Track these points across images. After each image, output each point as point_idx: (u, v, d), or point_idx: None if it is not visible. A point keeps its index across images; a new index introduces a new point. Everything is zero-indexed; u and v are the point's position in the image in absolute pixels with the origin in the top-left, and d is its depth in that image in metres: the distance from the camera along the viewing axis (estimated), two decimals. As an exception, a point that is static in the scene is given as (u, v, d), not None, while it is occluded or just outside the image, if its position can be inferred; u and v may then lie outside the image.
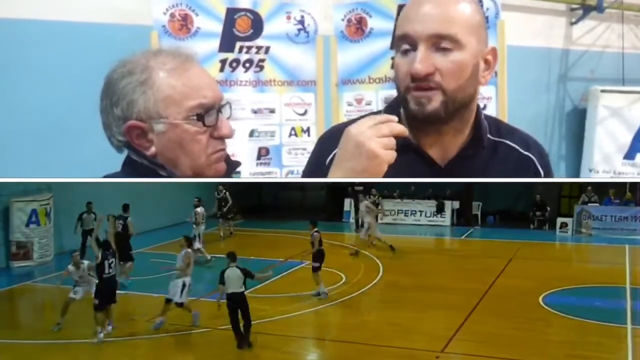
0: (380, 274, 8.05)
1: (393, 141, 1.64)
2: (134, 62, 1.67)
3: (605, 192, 11.57)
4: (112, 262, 5.71)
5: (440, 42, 1.69)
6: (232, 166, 1.84)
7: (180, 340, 5.69)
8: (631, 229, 10.67)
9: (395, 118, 1.71)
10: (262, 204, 13.66)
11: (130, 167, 1.74)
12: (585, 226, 11.30)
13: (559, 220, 11.61)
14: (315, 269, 6.86)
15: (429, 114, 1.74)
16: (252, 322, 5.43)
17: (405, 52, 1.75)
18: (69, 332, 5.67)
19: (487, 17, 4.49)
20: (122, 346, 5.52)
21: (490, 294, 7.13)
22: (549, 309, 6.64)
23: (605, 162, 8.11)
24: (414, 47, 1.72)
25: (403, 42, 1.75)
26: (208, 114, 1.67)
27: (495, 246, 10.19)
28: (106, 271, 5.60)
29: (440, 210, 12.42)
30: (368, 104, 4.91)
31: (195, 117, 1.65)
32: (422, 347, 5.23)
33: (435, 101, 1.73)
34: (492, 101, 4.66)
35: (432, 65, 1.69)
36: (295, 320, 5.88)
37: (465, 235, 11.31)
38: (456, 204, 12.41)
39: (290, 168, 4.98)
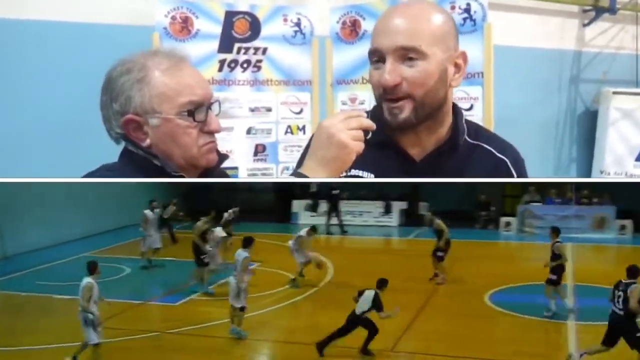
0: (330, 274, 8.04)
1: (361, 133, 1.80)
2: (132, 62, 1.84)
3: (547, 191, 11.74)
4: None
5: (406, 54, 1.85)
6: (221, 158, 2.01)
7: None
8: (571, 227, 10.68)
9: (364, 114, 1.88)
10: (212, 206, 13.03)
11: (127, 157, 1.92)
12: (528, 225, 11.42)
13: (503, 219, 11.69)
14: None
15: (402, 123, 1.92)
16: (204, 325, 5.56)
17: (376, 64, 1.92)
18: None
19: (474, 20, 4.65)
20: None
21: (438, 292, 7.19)
22: (495, 306, 6.74)
23: (616, 164, 8.05)
24: (383, 60, 1.88)
25: (374, 55, 1.92)
26: (198, 110, 1.84)
27: (422, 247, 10.08)
28: None
29: (388, 211, 12.37)
30: (361, 103, 5.06)
31: (186, 113, 1.82)
32: (371, 347, 5.27)
33: (406, 110, 1.90)
34: (478, 101, 4.75)
35: (399, 76, 1.86)
36: (245, 322, 5.79)
37: (412, 235, 11.19)
38: (403, 205, 12.34)
39: (285, 164, 5.17)
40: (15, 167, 4.91)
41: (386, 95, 1.90)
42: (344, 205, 12.04)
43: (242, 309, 5.66)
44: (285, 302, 6.95)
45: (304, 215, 12.67)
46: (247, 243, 5.88)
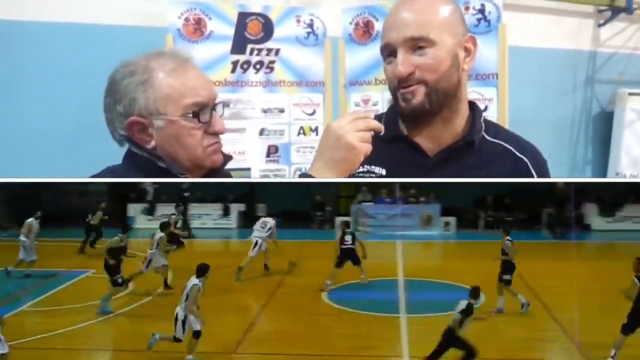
0: (169, 280, 7.92)
1: (369, 135, 1.82)
2: (136, 64, 1.86)
3: (377, 191, 11.61)
4: None
5: (416, 44, 1.90)
6: (226, 159, 2.01)
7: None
8: (400, 225, 10.61)
9: (372, 115, 1.92)
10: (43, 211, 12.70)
11: (131, 160, 1.93)
12: (361, 224, 11.19)
13: (338, 219, 11.68)
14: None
15: (416, 107, 1.96)
16: (36, 337, 5.21)
17: (389, 59, 1.98)
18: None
19: (488, 21, 4.61)
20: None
21: (279, 292, 7.04)
22: (333, 303, 6.69)
23: (633, 166, 7.97)
24: (394, 54, 1.93)
25: (386, 50, 1.98)
26: (203, 112, 1.85)
27: (280, 246, 10.16)
28: None
29: (226, 213, 12.30)
30: (374, 104, 5.04)
31: (191, 115, 1.83)
32: (214, 350, 5.22)
33: (419, 94, 1.94)
34: (493, 102, 4.72)
35: (412, 65, 1.91)
36: (83, 332, 5.60)
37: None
38: (242, 206, 12.32)
39: (298, 165, 5.17)
40: (19, 167, 4.96)
41: (400, 85, 1.95)
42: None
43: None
44: (117, 311, 6.41)
45: (140, 219, 12.30)
46: (202, 272, 5.19)
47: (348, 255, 8.24)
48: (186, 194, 11.16)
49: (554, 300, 6.97)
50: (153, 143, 1.86)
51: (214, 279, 7.53)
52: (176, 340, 5.07)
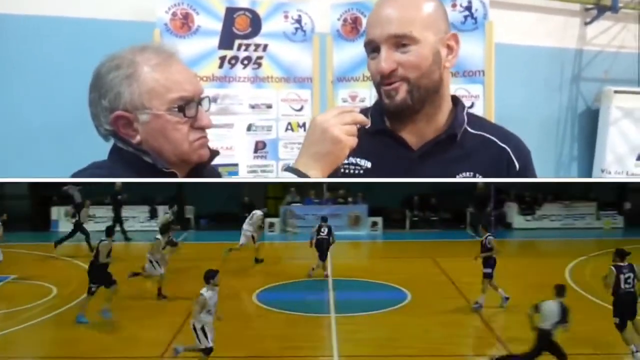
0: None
1: (355, 128, 1.83)
2: (121, 57, 1.82)
3: (306, 192, 12.29)
4: None
5: (399, 41, 1.91)
6: (212, 154, 1.99)
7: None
8: (332, 226, 10.75)
9: (357, 109, 1.93)
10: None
11: (116, 155, 1.90)
12: (290, 225, 11.94)
13: (267, 220, 11.77)
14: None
15: (399, 104, 1.97)
16: None
17: (372, 54, 1.99)
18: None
19: (475, 18, 4.64)
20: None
21: None
22: (263, 305, 6.93)
23: (618, 163, 8.04)
24: (378, 50, 1.94)
25: (369, 46, 1.99)
26: (188, 106, 1.82)
27: (209, 248, 10.04)
28: None
29: (153, 215, 12.17)
30: (362, 100, 5.05)
31: (176, 109, 1.81)
32: (142, 355, 5.32)
33: (401, 91, 1.95)
34: (479, 99, 4.75)
35: (394, 62, 1.92)
36: (6, 339, 5.67)
37: (179, 239, 10.64)
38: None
39: (286, 161, 5.16)
40: (13, 164, 4.92)
41: (384, 80, 1.96)
42: (107, 211, 11.49)
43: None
44: (44, 316, 6.61)
45: (64, 222, 11.64)
46: (210, 276, 5.15)
47: (321, 246, 8.39)
48: (120, 197, 11.04)
49: (477, 297, 7.06)
50: (138, 138, 1.84)
51: (147, 284, 7.41)
52: (207, 351, 4.93)
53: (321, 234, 8.44)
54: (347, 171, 2.09)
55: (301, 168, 1.81)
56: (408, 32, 1.90)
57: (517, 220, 12.47)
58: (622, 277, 5.27)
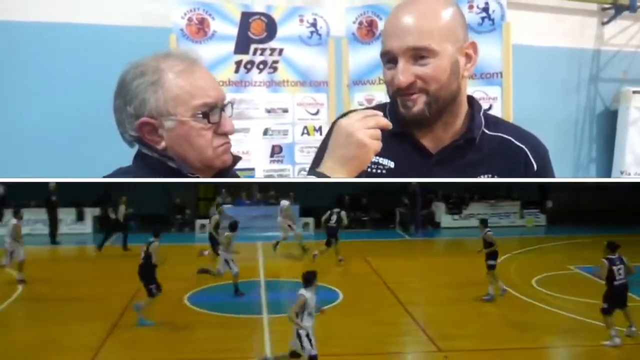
0: (21, 287, 7.66)
1: (379, 132, 1.81)
2: (146, 65, 1.84)
3: (237, 193, 12.25)
4: None
5: (417, 53, 1.88)
6: (235, 159, 2.01)
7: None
8: (260, 227, 11.42)
9: (381, 113, 1.89)
10: None
11: (141, 161, 1.92)
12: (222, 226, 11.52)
13: (198, 222, 11.82)
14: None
15: (415, 115, 1.95)
16: None
17: (388, 65, 1.96)
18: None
19: (492, 19, 4.60)
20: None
21: (139, 297, 6.94)
22: (195, 307, 6.87)
23: (637, 164, 7.94)
24: (394, 60, 1.92)
25: (386, 57, 1.96)
26: (212, 112, 1.84)
27: (136, 250, 9.55)
28: None
29: (80, 217, 12.02)
30: (378, 104, 5.03)
31: (200, 115, 1.82)
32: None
33: (419, 103, 1.93)
34: (497, 101, 4.71)
35: (412, 75, 1.90)
36: None
37: (108, 241, 10.54)
38: (96, 211, 11.90)
39: (302, 165, 5.15)
40: (25, 167, 4.97)
41: (402, 92, 1.93)
42: (33, 214, 11.26)
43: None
44: None
45: None
46: (308, 281, 4.93)
47: (332, 233, 8.49)
48: (54, 198, 10.92)
49: (408, 296, 7.31)
50: (163, 144, 1.86)
51: (73, 287, 7.36)
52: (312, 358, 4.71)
53: (330, 222, 8.71)
54: (371, 170, 2.06)
55: (327, 172, 1.80)
56: (427, 45, 1.86)
57: (445, 219, 12.68)
58: (614, 269, 5.43)
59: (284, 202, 9.72)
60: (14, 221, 7.89)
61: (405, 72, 1.89)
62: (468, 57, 1.98)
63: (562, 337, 6.05)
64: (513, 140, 2.06)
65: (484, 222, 7.50)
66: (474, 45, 1.99)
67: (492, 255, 7.10)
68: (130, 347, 5.68)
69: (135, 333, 5.99)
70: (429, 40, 1.86)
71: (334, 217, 8.80)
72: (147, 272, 6.37)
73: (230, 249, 7.44)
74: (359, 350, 5.60)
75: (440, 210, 12.86)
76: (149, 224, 11.07)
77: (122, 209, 10.31)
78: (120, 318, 6.42)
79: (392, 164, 2.06)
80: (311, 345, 4.68)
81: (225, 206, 11.83)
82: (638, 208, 11.68)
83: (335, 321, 6.30)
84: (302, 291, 4.79)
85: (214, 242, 8.57)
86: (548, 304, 6.97)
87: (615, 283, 5.42)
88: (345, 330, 6.10)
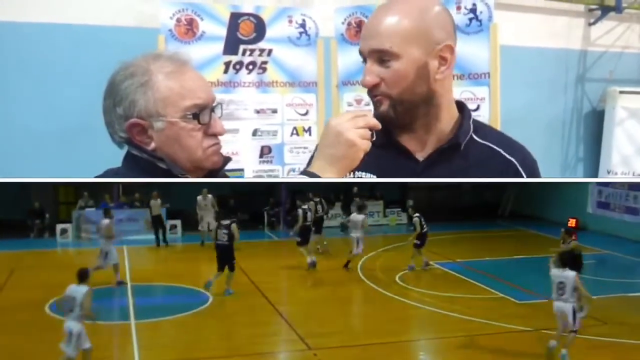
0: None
1: (368, 132, 1.82)
2: (135, 65, 1.82)
3: (101, 196, 12.05)
4: None
5: (380, 56, 1.88)
6: (225, 160, 1.99)
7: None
8: (127, 230, 11.32)
9: (371, 113, 1.90)
10: None
11: (131, 161, 1.91)
12: (84, 231, 11.55)
13: (59, 226, 11.59)
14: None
15: (382, 115, 1.93)
16: None
17: (364, 64, 1.96)
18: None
19: (480, 20, 4.62)
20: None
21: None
22: (57, 315, 6.47)
23: (624, 164, 8.03)
24: (365, 61, 1.93)
25: (361, 57, 1.97)
26: (202, 113, 1.83)
27: None
28: None
29: None
30: (367, 104, 4.94)
31: (190, 116, 1.82)
32: None
33: (384, 104, 1.92)
34: (485, 102, 4.73)
35: (377, 77, 1.89)
36: None
37: None
38: None
39: (291, 166, 5.15)
40: (18, 168, 4.94)
41: (370, 92, 1.95)
42: None
43: None
44: None
45: None
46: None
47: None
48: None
49: (277, 296, 7.46)
50: (153, 145, 1.84)
51: None
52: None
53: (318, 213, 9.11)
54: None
55: (317, 172, 1.81)
56: (387, 48, 1.85)
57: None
58: None
59: (359, 217, 8.93)
60: (106, 221, 8.01)
61: (370, 74, 1.90)
62: (443, 60, 1.93)
63: (423, 330, 6.44)
64: (502, 152, 2.04)
65: (412, 206, 8.84)
66: (450, 48, 1.93)
67: (420, 237, 8.33)
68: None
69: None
70: (390, 43, 1.85)
71: (319, 208, 8.94)
72: (229, 251, 7.41)
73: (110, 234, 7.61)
74: (230, 352, 5.60)
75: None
76: (5, 230, 10.83)
77: (155, 203, 10.57)
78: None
79: (374, 177, 2.05)
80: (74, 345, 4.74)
81: (88, 209, 11.71)
82: (493, 206, 13.19)
83: (206, 324, 6.40)
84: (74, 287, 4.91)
85: None
86: (411, 298, 7.27)
87: None
88: (216, 332, 6.13)
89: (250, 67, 5.01)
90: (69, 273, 8.40)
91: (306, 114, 5.16)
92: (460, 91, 4.67)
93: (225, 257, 7.40)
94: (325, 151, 1.81)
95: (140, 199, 12.17)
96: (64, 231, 11.47)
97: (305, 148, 5.12)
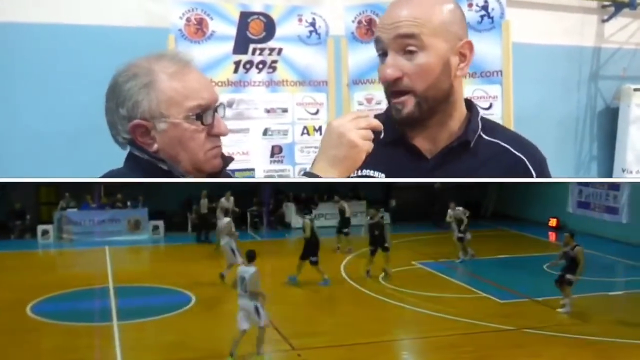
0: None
1: (370, 133, 1.80)
2: (138, 66, 1.81)
3: (83, 197, 12.01)
4: None
5: (406, 44, 1.82)
6: (226, 161, 1.98)
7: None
8: (109, 231, 11.36)
9: (372, 114, 1.87)
10: None
11: (133, 162, 1.89)
12: (66, 232, 11.48)
13: (40, 227, 11.53)
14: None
15: (405, 117, 1.91)
16: None
17: (381, 58, 1.91)
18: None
19: (492, 18, 4.58)
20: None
21: None
22: (39, 317, 6.60)
23: (638, 162, 7.93)
24: (385, 52, 1.88)
25: (377, 47, 1.92)
26: (205, 114, 1.81)
27: None
28: None
29: None
30: (378, 103, 4.99)
31: (194, 117, 1.80)
32: None
33: (408, 105, 1.88)
34: (498, 100, 4.68)
35: (400, 70, 1.85)
36: None
37: None
38: None
39: (302, 166, 5.12)
40: (21, 168, 4.95)
41: (390, 88, 1.89)
42: None
43: None
44: None
45: None
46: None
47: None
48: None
49: None
50: (156, 146, 1.83)
51: None
52: None
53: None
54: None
55: (319, 173, 1.79)
56: (416, 33, 1.81)
57: (295, 219, 12.69)
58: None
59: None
60: (226, 219, 8.41)
61: (393, 66, 1.84)
62: (462, 57, 1.91)
63: (407, 330, 6.49)
64: (512, 149, 2.01)
65: (376, 208, 8.83)
66: (469, 45, 1.92)
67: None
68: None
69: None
70: (419, 29, 1.81)
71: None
72: (314, 245, 7.84)
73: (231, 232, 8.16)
74: (214, 353, 5.60)
75: (290, 211, 13.00)
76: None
77: (203, 203, 10.78)
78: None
79: (382, 176, 2.03)
80: None
81: (69, 210, 11.71)
82: (476, 206, 12.78)
83: (189, 325, 6.41)
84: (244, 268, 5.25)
85: None
86: (394, 298, 7.32)
87: None
88: (199, 333, 6.09)
89: (260, 66, 4.99)
90: (50, 274, 8.52)
91: (317, 113, 5.14)
92: (472, 89, 4.63)
93: (312, 250, 7.89)
94: (327, 152, 1.79)
95: (122, 200, 12.22)
96: (45, 232, 11.47)
97: (316, 148, 5.04)
